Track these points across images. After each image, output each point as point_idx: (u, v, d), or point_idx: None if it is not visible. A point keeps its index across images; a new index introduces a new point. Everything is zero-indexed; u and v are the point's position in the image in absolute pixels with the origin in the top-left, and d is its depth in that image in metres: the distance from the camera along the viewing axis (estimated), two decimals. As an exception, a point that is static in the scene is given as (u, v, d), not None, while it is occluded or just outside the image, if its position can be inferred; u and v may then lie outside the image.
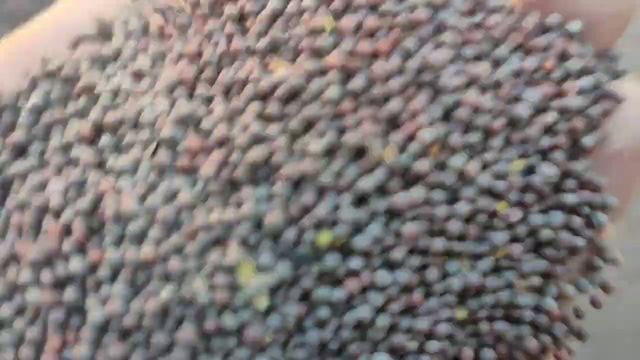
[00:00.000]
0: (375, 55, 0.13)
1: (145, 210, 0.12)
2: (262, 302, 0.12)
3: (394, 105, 0.13)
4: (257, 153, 0.12)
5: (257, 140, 0.12)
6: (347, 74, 0.13)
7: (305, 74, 0.13)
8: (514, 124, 0.13)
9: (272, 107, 0.12)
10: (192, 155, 0.12)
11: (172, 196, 0.12)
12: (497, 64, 0.14)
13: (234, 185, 0.12)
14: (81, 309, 0.12)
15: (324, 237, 0.12)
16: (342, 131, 0.12)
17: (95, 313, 0.11)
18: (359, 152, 0.12)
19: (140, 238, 0.12)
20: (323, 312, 0.12)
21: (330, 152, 0.12)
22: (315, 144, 0.12)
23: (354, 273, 0.12)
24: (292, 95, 0.13)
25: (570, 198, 0.14)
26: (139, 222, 0.12)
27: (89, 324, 0.12)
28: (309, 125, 0.13)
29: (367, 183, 0.12)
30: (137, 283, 0.12)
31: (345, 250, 0.12)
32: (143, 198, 0.12)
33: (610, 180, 0.16)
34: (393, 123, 0.13)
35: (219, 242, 0.12)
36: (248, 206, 0.12)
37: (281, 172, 0.12)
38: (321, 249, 0.12)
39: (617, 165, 0.17)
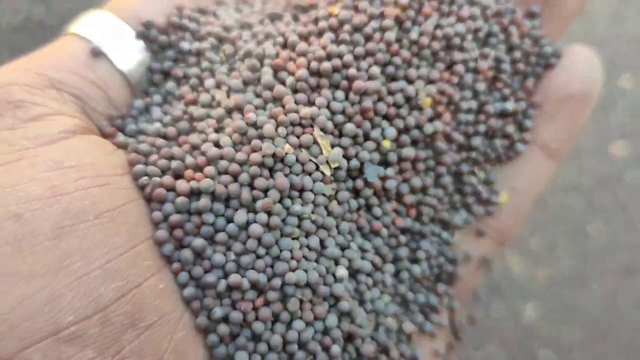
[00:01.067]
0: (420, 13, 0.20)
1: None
2: (335, 164, 0.18)
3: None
4: (331, 64, 0.18)
5: (332, 55, 0.19)
6: (400, 23, 0.19)
7: (367, 17, 0.19)
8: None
9: (343, 35, 0.19)
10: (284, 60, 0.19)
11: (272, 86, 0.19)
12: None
13: (316, 87, 0.19)
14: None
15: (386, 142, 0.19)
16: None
17: (210, 151, 0.17)
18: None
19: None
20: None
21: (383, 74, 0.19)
22: (375, 69, 0.19)
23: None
24: (355, 30, 0.19)
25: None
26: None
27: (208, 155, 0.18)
28: (369, 54, 0.19)
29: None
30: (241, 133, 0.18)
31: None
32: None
33: (561, 119, 0.20)
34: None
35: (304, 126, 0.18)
36: (325, 103, 0.18)
37: (354, 85, 0.18)
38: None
39: (567, 106, 0.20)
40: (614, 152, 0.56)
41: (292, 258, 0.17)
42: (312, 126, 0.18)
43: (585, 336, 0.50)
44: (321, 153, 0.18)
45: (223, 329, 0.17)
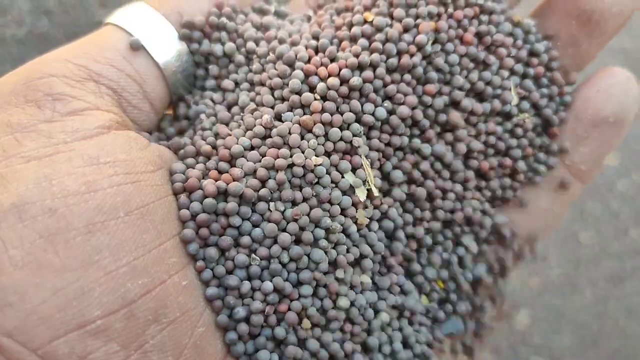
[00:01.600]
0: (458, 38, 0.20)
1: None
2: (377, 194, 0.19)
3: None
4: (361, 77, 0.19)
5: (363, 65, 0.19)
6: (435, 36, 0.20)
7: (402, 27, 0.19)
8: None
9: (376, 44, 0.19)
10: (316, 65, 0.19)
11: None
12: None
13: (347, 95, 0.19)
14: None
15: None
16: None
17: (234, 147, 0.18)
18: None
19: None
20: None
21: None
22: (409, 77, 0.19)
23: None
24: (387, 40, 0.19)
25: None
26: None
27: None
28: (402, 68, 0.19)
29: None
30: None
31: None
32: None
33: (593, 142, 0.20)
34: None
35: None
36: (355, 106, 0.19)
37: (400, 112, 0.19)
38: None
39: (601, 129, 0.20)
40: (605, 162, 0.57)
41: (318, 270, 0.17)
42: (354, 148, 0.18)
43: (577, 343, 0.50)
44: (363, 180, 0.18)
45: (243, 328, 0.17)
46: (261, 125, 0.18)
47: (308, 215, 0.17)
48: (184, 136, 0.20)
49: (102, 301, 0.14)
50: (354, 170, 0.18)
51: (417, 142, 0.20)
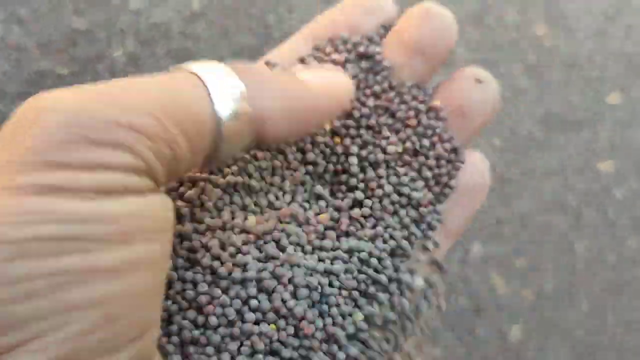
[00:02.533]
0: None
1: None
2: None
3: None
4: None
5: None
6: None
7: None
8: None
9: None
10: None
11: None
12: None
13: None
14: None
15: None
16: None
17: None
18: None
19: None
20: None
21: None
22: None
23: None
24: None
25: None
26: None
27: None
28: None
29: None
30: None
31: None
32: None
33: (456, 215, 0.22)
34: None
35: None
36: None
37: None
38: None
39: (467, 196, 0.22)
40: (601, 169, 0.56)
41: None
42: None
43: (573, 357, 0.49)
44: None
45: None
46: None
47: None
48: None
49: None
50: None
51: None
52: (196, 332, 0.17)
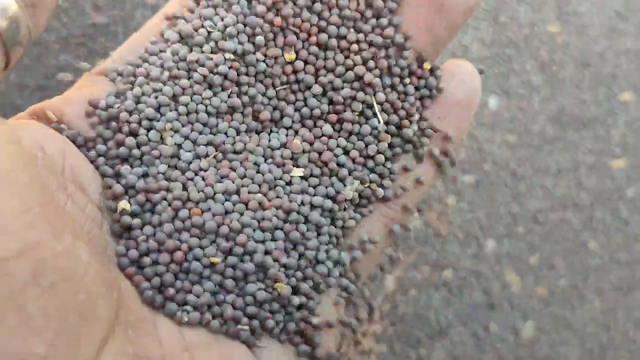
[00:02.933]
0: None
1: None
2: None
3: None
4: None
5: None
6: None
7: None
8: None
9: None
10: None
11: None
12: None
13: None
14: None
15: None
16: None
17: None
18: None
19: None
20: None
21: None
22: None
23: None
24: None
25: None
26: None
27: None
28: None
29: None
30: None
31: None
32: None
33: (449, 122, 0.23)
34: None
35: None
36: None
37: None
38: None
39: (454, 111, 0.23)
40: (614, 167, 0.56)
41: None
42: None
43: (585, 355, 0.49)
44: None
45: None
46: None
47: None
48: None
49: None
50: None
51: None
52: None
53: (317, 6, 0.22)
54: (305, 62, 0.22)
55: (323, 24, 0.22)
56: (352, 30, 0.23)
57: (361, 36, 0.23)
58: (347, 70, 0.22)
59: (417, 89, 0.24)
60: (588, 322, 0.50)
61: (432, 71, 0.24)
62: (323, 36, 0.22)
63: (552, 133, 0.54)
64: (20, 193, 0.15)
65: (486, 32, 0.55)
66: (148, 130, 0.20)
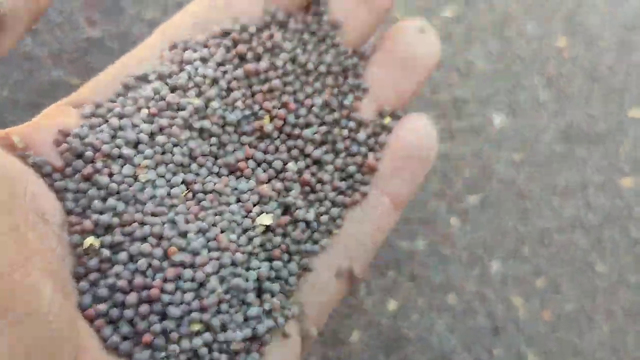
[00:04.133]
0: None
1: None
2: None
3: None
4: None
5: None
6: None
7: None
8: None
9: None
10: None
11: None
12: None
13: None
14: None
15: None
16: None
17: None
18: None
19: None
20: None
21: None
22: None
23: None
24: None
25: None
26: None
27: None
28: None
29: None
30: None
31: None
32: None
33: (405, 173, 0.24)
34: None
35: None
36: None
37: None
38: None
39: (410, 163, 0.23)
40: (624, 186, 0.54)
41: None
42: None
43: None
44: None
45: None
46: None
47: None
48: None
49: None
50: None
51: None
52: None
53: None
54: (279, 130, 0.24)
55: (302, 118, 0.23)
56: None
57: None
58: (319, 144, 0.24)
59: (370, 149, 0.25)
60: (597, 347, 0.49)
61: (384, 127, 0.25)
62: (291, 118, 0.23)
63: (560, 150, 0.53)
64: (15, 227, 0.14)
65: (492, 46, 0.54)
66: (122, 165, 0.20)
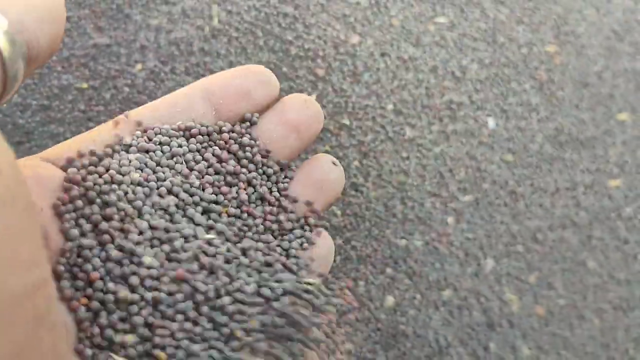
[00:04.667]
0: None
1: None
2: None
3: None
4: None
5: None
6: None
7: None
8: None
9: None
10: None
11: None
12: None
13: None
14: None
15: None
16: None
17: None
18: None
19: None
20: None
21: None
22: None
23: None
24: None
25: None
26: None
27: None
28: None
29: None
30: None
31: None
32: None
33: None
34: None
35: None
36: None
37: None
38: None
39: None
40: (612, 187, 0.56)
41: None
42: None
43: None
44: None
45: None
46: None
47: None
48: None
49: None
50: None
51: None
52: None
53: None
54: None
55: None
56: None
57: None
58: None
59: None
60: (587, 341, 0.50)
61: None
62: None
63: (551, 152, 0.55)
64: (36, 227, 0.15)
65: (484, 52, 0.56)
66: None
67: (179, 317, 0.19)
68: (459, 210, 0.50)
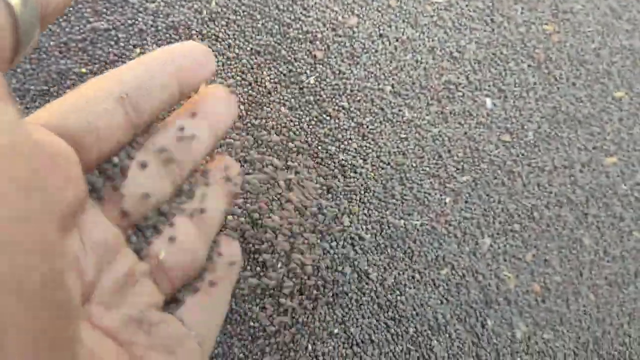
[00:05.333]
0: None
1: None
2: None
3: None
4: None
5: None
6: None
7: None
8: None
9: None
10: None
11: None
12: None
13: None
14: None
15: None
16: None
17: None
18: None
19: None
20: None
21: None
22: None
23: None
24: None
25: None
26: None
27: None
28: None
29: None
30: None
31: None
32: None
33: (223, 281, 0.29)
34: None
35: None
36: None
37: None
38: None
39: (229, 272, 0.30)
40: (608, 164, 0.57)
41: None
42: None
43: (580, 349, 0.50)
44: None
45: None
46: None
47: None
48: None
49: None
50: None
51: None
52: None
53: None
54: None
55: None
56: None
57: None
58: None
59: None
60: (583, 317, 0.52)
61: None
62: None
63: (548, 131, 0.55)
64: None
65: (482, 32, 0.56)
66: None
67: None
68: (457, 190, 0.51)
